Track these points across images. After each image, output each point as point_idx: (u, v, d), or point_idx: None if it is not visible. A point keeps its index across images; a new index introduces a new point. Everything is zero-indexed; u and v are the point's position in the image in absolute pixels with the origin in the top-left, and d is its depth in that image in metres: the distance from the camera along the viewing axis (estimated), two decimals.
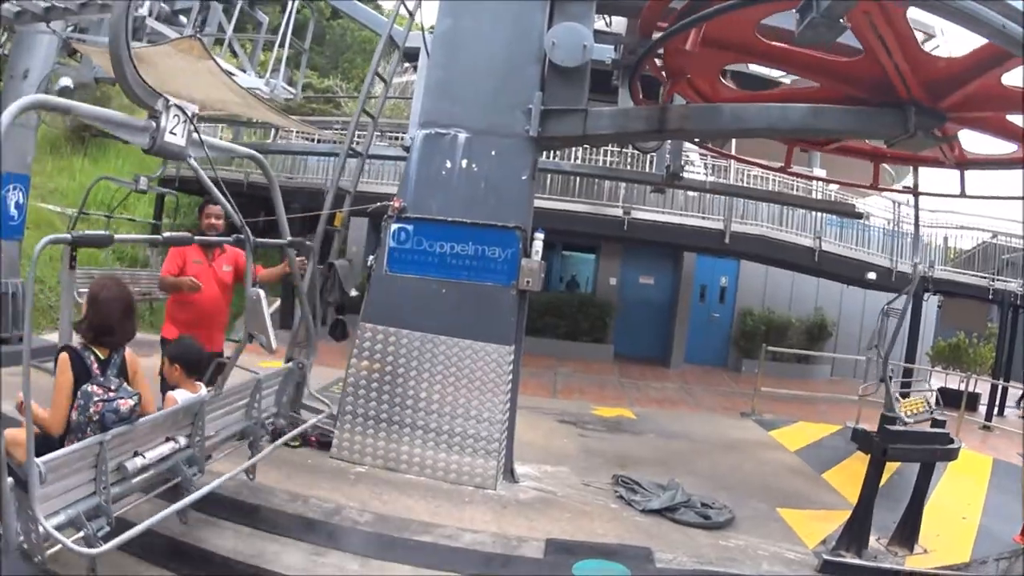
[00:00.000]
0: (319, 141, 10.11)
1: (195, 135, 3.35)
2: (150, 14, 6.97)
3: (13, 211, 7.90)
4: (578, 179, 13.06)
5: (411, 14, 6.77)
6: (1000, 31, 3.36)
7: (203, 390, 4.00)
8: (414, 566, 4.08)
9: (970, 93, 4.67)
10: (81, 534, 2.76)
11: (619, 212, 12.97)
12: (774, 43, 4.91)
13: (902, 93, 4.79)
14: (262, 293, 3.69)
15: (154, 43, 6.61)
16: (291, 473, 5.23)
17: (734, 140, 10.42)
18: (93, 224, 10.99)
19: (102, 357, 3.43)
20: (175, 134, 3.23)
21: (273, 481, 5.00)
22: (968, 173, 6.61)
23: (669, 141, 9.23)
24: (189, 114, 3.31)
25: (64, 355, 3.29)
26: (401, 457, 5.54)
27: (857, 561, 4.61)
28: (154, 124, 3.14)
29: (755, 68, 9.57)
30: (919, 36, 4.44)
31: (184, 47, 5.52)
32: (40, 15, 6.82)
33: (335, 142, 9.87)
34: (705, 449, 7.62)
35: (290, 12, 8.58)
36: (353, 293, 6.02)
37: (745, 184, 13.00)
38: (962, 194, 6.75)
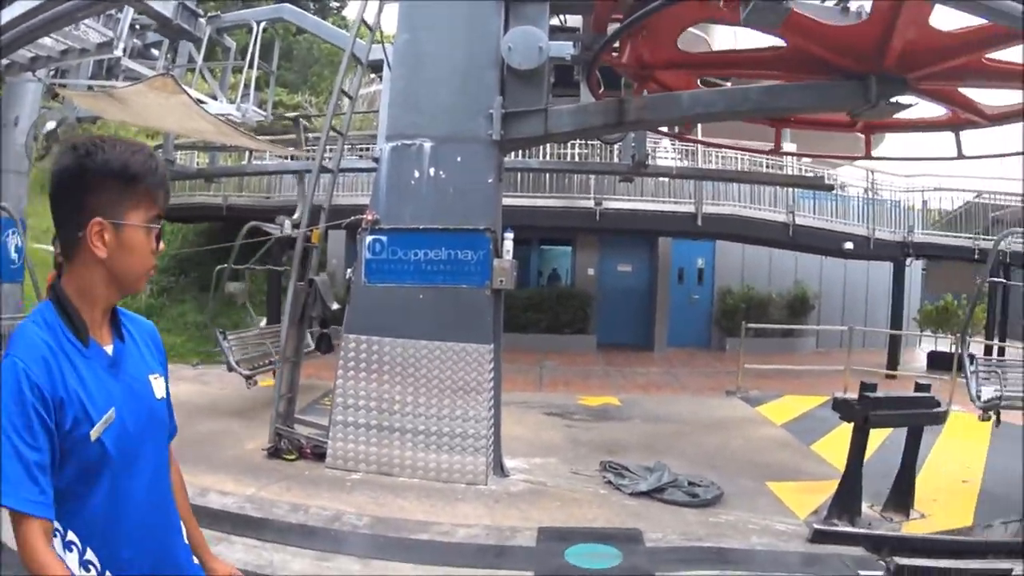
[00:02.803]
0: (293, 159, 10.24)
1: None
2: (124, 52, 7.25)
3: (13, 255, 8.10)
4: (548, 174, 13.02)
5: (371, 29, 6.87)
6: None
7: None
8: (414, 564, 4.21)
9: (950, 67, 4.75)
10: None
11: (591, 203, 12.92)
12: None
13: (884, 63, 4.78)
14: None
15: (130, 81, 7.01)
16: (291, 485, 5.39)
17: (699, 125, 10.40)
18: None
19: None
20: None
21: (274, 494, 5.18)
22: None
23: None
24: None
25: None
26: (394, 461, 5.66)
27: (850, 529, 4.57)
28: None
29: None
30: None
31: (158, 85, 5.81)
32: (26, 64, 7.15)
33: (308, 159, 10.05)
34: (692, 430, 7.62)
35: (256, 36, 8.75)
36: (335, 306, 6.13)
37: (713, 166, 12.94)
38: (959, 155, 6.67)
